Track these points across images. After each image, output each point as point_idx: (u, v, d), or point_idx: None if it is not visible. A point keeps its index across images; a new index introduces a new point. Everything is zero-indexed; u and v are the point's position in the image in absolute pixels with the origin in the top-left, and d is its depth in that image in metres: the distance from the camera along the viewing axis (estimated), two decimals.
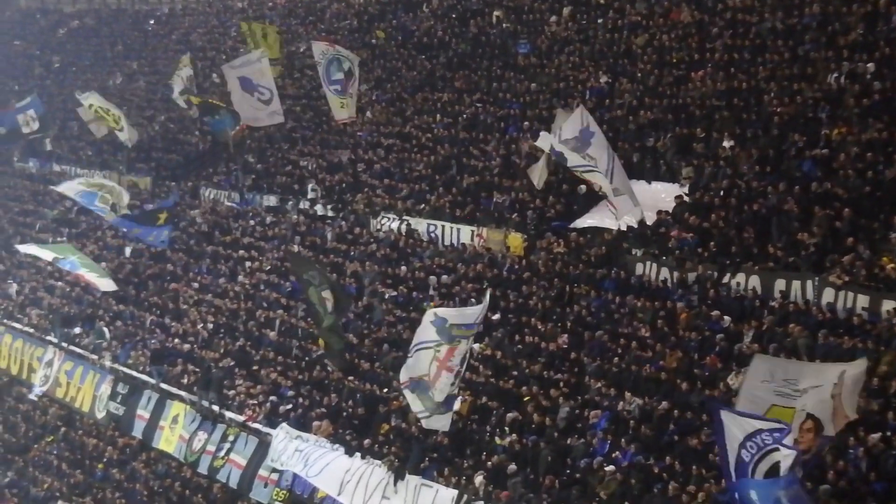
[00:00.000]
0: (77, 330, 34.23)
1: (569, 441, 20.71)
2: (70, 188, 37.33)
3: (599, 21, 33.41)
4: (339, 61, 35.12)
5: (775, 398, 15.65)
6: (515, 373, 22.93)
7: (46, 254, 35.29)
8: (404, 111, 36.30)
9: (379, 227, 31.71)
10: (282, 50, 41.39)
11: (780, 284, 21.53)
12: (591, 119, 23.66)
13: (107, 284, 33.60)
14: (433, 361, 20.11)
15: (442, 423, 20.92)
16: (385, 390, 24.79)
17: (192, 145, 42.87)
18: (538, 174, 27.26)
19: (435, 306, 26.37)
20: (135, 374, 31.16)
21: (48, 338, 35.09)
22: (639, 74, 29.84)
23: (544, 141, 24.33)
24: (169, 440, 28.98)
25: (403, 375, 20.73)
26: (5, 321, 37.57)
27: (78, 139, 47.93)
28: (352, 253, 30.96)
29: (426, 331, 20.33)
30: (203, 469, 27.52)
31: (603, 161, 22.87)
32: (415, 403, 20.76)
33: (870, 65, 24.07)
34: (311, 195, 34.90)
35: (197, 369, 29.23)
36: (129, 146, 42.38)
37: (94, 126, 44.48)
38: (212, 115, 38.64)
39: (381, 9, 43.15)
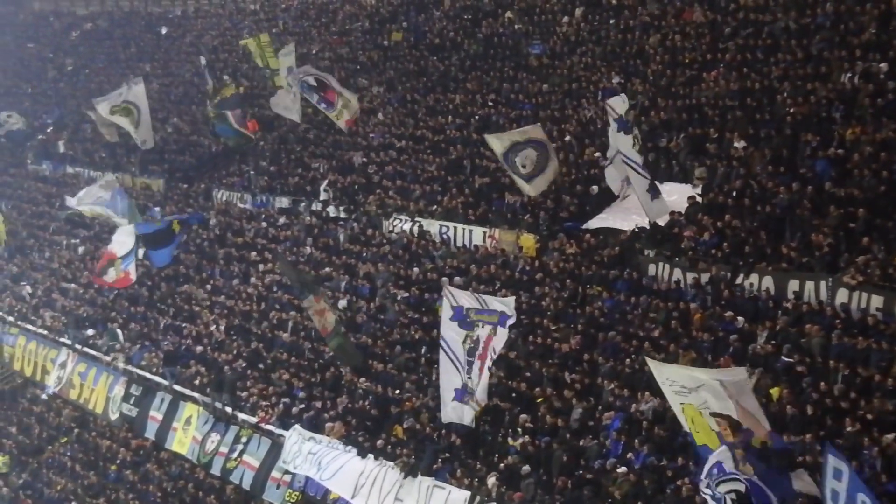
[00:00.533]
0: (90, 332, 34.32)
1: (582, 442, 20.65)
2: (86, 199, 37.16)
3: (612, 21, 33.36)
4: (305, 83, 35.37)
5: (680, 398, 16.74)
6: (528, 374, 22.88)
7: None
8: (416, 112, 36.30)
9: (391, 228, 31.69)
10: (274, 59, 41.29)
11: (793, 285, 21.43)
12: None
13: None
14: (472, 360, 20.79)
15: (467, 416, 21.15)
16: (397, 391, 24.78)
17: (205, 147, 42.96)
18: (546, 178, 27.41)
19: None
20: (148, 375, 31.22)
21: (62, 339, 35.18)
22: (651, 75, 29.78)
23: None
24: (182, 442, 29.01)
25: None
26: (19, 323, 37.67)
27: (91, 142, 48.08)
28: (364, 254, 30.97)
29: (448, 330, 20.90)
30: (216, 470, 27.55)
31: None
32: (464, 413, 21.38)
33: (883, 64, 23.96)
34: (323, 196, 34.92)
35: (210, 371, 29.28)
36: (144, 148, 42.45)
37: (105, 130, 44.65)
38: (221, 123, 38.87)
39: (393, 10, 43.17)
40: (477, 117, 33.62)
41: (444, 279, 26.76)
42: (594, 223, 26.61)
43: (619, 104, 24.53)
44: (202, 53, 43.23)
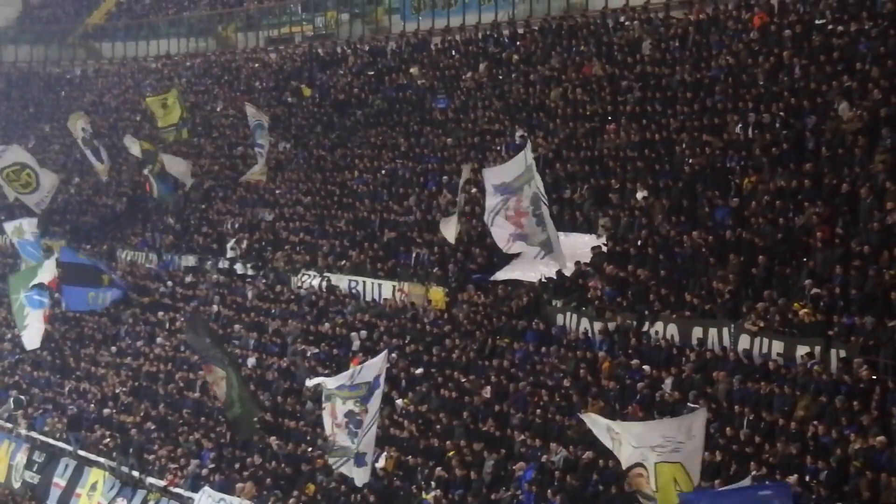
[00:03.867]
0: None
1: (493, 496, 20.66)
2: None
3: (514, 76, 33.92)
4: (263, 126, 35.54)
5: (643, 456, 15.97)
6: (439, 427, 22.88)
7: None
8: (324, 168, 36.36)
9: (300, 284, 31.58)
10: (184, 108, 41.06)
11: (697, 332, 21.86)
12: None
13: (31, 340, 32.49)
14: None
15: (358, 475, 20.56)
16: (309, 449, 24.56)
17: (108, 207, 42.36)
18: (452, 229, 27.57)
19: (358, 362, 26.39)
20: (51, 441, 30.46)
21: None
22: (553, 128, 30.30)
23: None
24: None
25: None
26: None
27: None
28: (273, 311, 30.77)
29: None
30: None
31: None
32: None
33: (776, 115, 24.69)
34: (230, 254, 34.68)
35: (116, 434, 28.69)
36: (39, 211, 41.46)
37: (5, 189, 43.74)
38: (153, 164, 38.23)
39: (297, 67, 43.31)
40: (383, 172, 33.79)
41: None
42: (501, 274, 26.86)
43: (497, 174, 24.83)
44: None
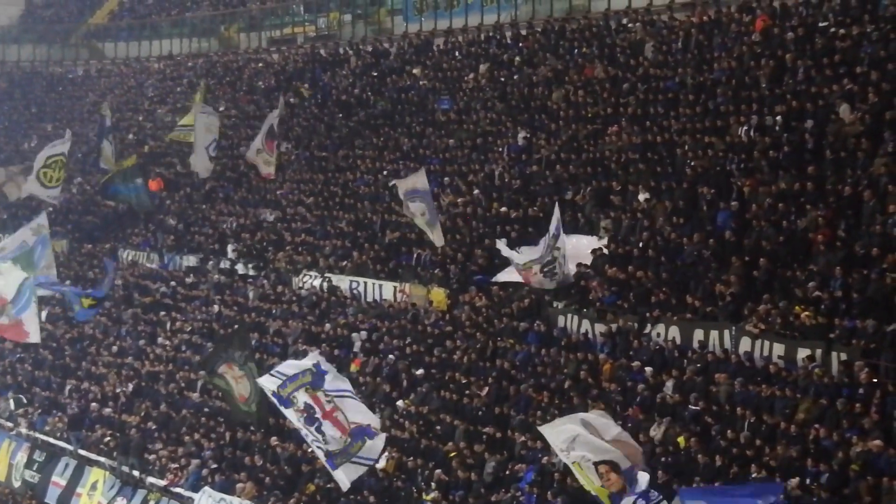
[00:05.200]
0: None
1: (494, 498, 20.66)
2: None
3: (516, 77, 33.92)
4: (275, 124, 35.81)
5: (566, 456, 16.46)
6: (440, 428, 22.88)
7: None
8: (326, 169, 36.37)
9: (301, 284, 31.58)
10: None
11: (698, 334, 21.86)
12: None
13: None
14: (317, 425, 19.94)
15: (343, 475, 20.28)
16: (310, 450, 24.51)
17: (111, 207, 42.36)
18: (437, 233, 27.59)
19: (360, 364, 26.45)
20: (52, 440, 30.45)
21: None
22: (555, 129, 30.29)
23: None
24: None
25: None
26: None
27: None
28: (274, 311, 30.77)
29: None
30: None
31: None
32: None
33: (778, 117, 24.69)
34: (231, 254, 34.67)
35: (116, 434, 28.69)
36: (52, 204, 41.54)
37: (8, 188, 43.82)
38: (126, 181, 38.51)
39: (300, 68, 43.33)
40: (385, 172, 33.79)
41: None
42: (503, 276, 26.82)
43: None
44: (105, 113, 42.71)
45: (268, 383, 20.28)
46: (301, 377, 19.88)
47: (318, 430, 19.66)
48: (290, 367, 20.53)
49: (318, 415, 19.64)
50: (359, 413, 19.94)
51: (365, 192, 33.67)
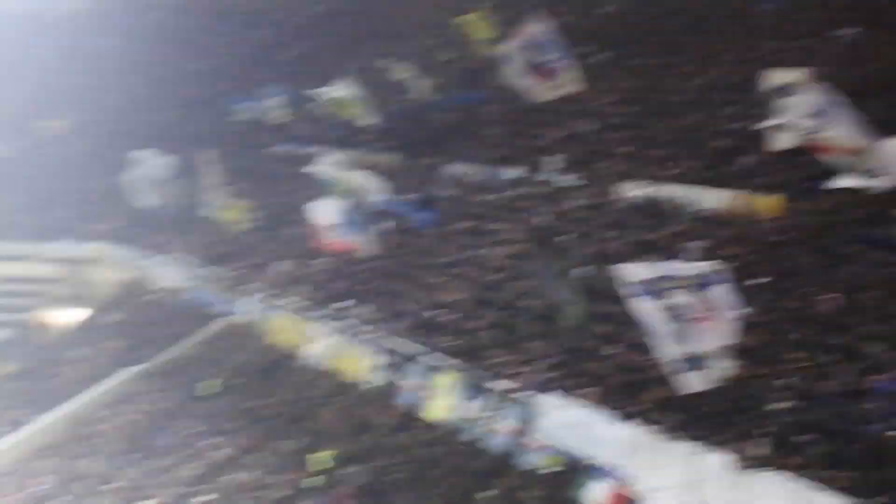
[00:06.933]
0: (342, 305, 35.81)
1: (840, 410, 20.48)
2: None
3: None
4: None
5: None
6: (789, 337, 22.81)
7: None
8: (647, 76, 36.24)
9: (626, 194, 31.86)
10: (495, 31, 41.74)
11: None
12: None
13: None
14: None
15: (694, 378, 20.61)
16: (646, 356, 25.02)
17: (436, 122, 43.83)
18: (787, 138, 26.95)
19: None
20: (402, 346, 32.38)
21: (316, 314, 36.81)
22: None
23: None
24: (437, 409, 30.02)
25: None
26: (276, 298, 39.53)
27: (320, 122, 49.72)
28: (598, 221, 31.24)
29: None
30: (472, 437, 28.43)
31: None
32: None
33: None
34: (555, 165, 35.30)
35: (460, 339, 30.21)
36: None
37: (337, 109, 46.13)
38: None
39: None
40: (709, 78, 33.32)
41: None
42: (838, 182, 26.07)
43: None
44: None
45: (636, 272, 20.17)
46: (682, 280, 19.81)
47: (681, 331, 19.82)
48: (673, 267, 20.29)
49: (688, 317, 19.66)
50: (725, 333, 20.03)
51: (688, 99, 33.34)
